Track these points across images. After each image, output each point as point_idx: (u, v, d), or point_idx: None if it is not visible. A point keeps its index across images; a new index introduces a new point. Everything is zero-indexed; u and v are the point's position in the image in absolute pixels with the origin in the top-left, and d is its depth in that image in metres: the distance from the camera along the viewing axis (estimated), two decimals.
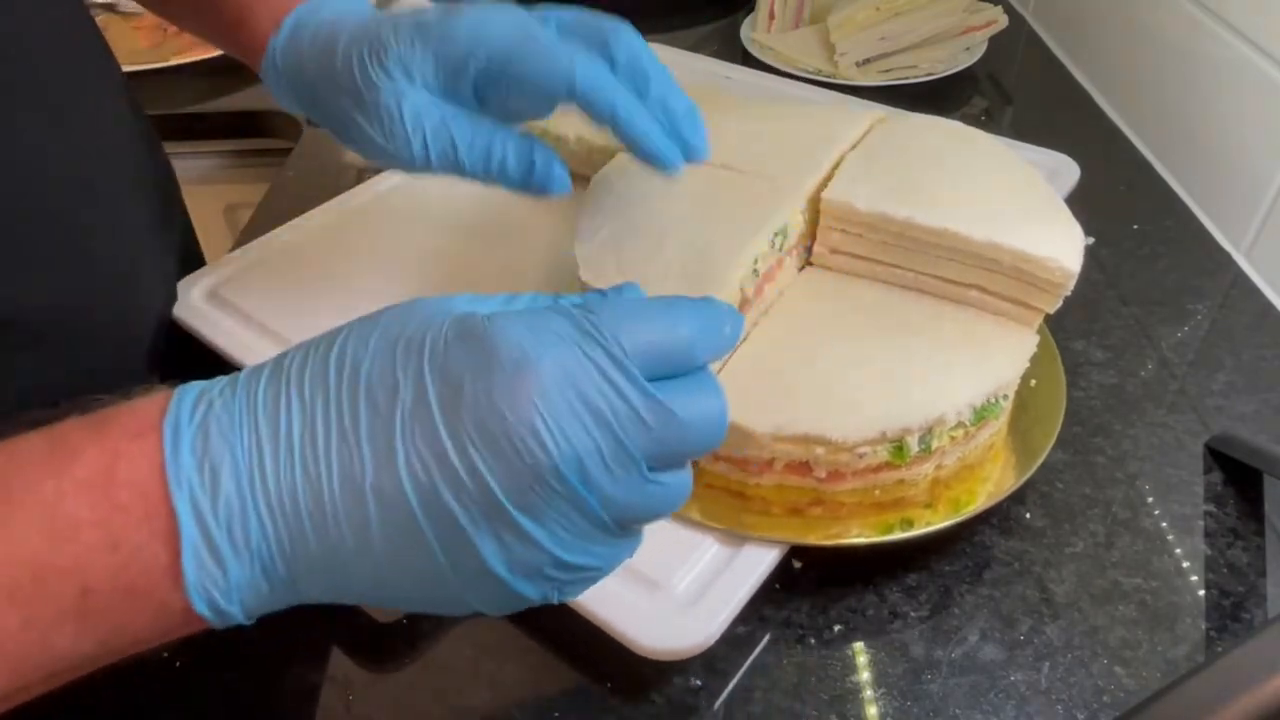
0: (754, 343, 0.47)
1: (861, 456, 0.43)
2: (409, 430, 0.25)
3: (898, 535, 0.44)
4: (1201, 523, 0.47)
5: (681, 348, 0.28)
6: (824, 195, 0.50)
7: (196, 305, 0.58)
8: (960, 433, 0.44)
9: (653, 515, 0.28)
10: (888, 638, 0.43)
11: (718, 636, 0.40)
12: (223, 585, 0.26)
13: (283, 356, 0.28)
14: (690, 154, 0.44)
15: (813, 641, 0.43)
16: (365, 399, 0.26)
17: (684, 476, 0.29)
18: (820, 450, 0.42)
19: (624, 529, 0.28)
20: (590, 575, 0.29)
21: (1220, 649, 0.42)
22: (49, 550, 0.25)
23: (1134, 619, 0.43)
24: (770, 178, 0.51)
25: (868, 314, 0.49)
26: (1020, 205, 0.49)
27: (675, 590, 0.41)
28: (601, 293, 0.30)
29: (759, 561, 0.43)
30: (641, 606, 0.40)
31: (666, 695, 0.41)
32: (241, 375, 0.28)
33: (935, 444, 0.44)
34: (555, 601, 0.29)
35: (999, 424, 0.47)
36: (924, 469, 0.45)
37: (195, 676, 0.42)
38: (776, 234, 0.48)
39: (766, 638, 0.43)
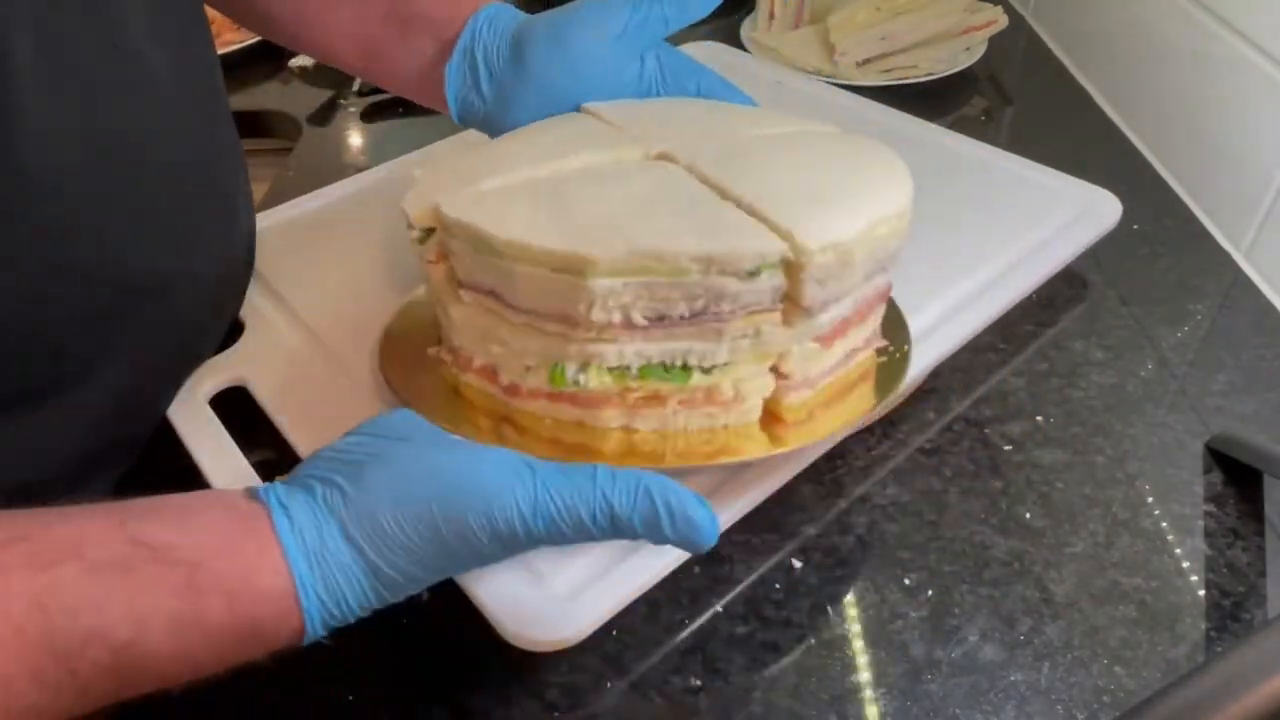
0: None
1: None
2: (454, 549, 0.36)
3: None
4: (1201, 523, 0.47)
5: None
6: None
7: None
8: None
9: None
10: (888, 638, 0.43)
11: (586, 634, 0.40)
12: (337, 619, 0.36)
13: (325, 481, 0.36)
14: None
15: (813, 641, 0.43)
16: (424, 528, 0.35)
17: None
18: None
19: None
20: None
21: (1220, 649, 0.42)
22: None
23: (1134, 619, 0.43)
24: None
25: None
26: (835, 192, 0.43)
27: (555, 583, 0.41)
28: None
29: (646, 567, 0.42)
30: (522, 594, 0.40)
31: (666, 695, 0.41)
32: (304, 494, 0.36)
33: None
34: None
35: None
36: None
37: (196, 679, 0.42)
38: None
39: (766, 637, 0.43)
